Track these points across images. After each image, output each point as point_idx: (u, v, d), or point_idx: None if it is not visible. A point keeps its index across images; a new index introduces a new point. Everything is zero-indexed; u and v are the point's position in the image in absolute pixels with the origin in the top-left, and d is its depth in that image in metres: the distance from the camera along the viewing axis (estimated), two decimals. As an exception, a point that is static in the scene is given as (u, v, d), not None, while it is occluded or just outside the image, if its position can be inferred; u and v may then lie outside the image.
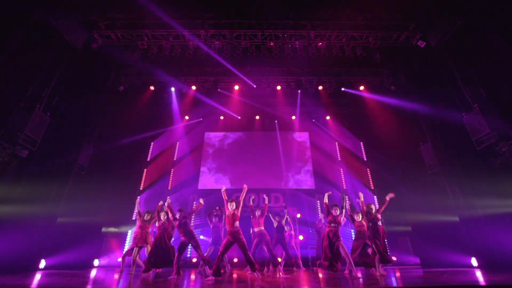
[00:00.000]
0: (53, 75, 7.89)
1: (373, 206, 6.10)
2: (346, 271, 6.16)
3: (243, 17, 8.69)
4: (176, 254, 5.74)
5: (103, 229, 9.65)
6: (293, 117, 13.05)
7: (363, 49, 9.32)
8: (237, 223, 5.17)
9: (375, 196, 11.26)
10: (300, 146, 12.83)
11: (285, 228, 7.60)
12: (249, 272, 6.26)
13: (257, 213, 6.68)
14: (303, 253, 8.81)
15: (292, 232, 8.15)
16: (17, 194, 6.86)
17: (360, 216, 6.23)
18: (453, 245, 7.39)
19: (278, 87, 11.35)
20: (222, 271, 5.28)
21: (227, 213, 5.37)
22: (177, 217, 5.93)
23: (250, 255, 5.24)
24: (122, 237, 9.72)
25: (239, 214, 5.27)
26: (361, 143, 12.75)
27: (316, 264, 8.30)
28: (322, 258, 5.59)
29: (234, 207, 5.28)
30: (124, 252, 7.07)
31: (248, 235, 7.14)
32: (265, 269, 6.55)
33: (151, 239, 6.62)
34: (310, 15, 8.66)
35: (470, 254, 7.13)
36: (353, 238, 6.47)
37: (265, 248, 6.50)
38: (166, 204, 6.41)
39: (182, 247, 5.79)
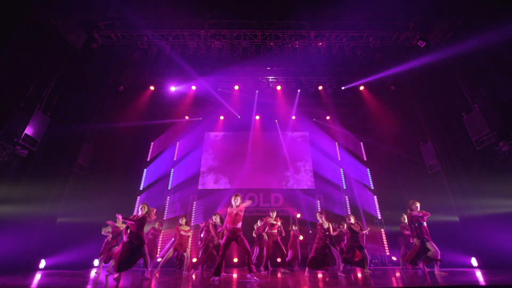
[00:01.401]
0: (53, 75, 7.88)
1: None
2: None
3: (243, 17, 8.66)
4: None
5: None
6: (293, 117, 13.06)
7: (363, 49, 9.31)
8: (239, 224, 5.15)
9: (375, 196, 11.25)
10: (300, 146, 12.83)
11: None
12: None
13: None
14: (303, 253, 8.81)
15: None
16: (17, 194, 6.84)
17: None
18: (453, 245, 7.37)
19: (278, 87, 11.35)
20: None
21: (229, 211, 5.26)
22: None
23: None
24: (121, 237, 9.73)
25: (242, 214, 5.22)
26: (361, 143, 12.75)
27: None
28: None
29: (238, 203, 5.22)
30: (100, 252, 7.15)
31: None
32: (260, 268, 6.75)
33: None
34: (310, 15, 8.64)
35: (470, 254, 7.14)
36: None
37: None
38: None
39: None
